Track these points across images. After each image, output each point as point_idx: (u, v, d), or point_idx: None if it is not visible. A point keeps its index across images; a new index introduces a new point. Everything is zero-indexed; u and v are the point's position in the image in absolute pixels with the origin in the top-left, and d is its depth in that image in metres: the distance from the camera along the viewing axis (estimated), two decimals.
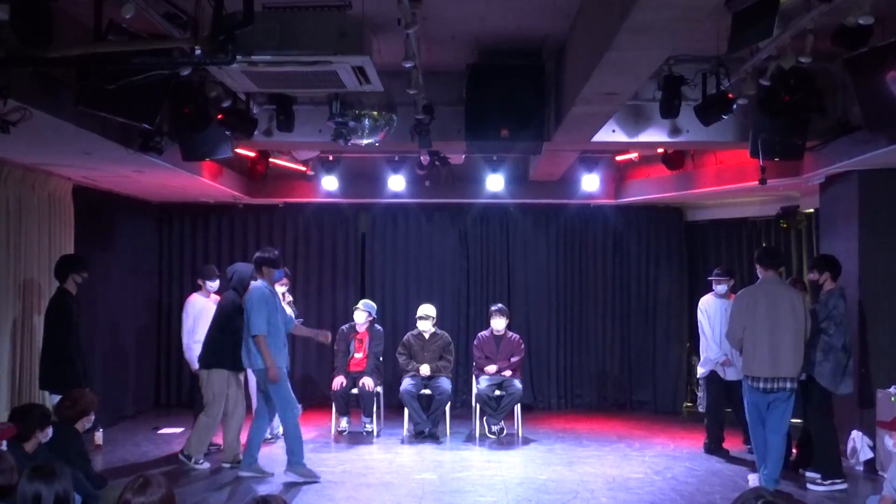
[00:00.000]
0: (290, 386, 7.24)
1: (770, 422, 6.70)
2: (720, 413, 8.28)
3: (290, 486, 6.94)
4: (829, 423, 6.99)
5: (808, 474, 7.08)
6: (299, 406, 7.25)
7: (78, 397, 5.73)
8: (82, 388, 6.36)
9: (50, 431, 5.29)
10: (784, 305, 6.64)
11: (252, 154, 9.26)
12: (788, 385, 6.60)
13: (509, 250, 11.25)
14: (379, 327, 9.45)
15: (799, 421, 7.37)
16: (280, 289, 8.53)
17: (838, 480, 6.82)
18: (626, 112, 7.21)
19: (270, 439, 8.69)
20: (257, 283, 7.20)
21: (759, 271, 6.90)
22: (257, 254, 7.41)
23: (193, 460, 7.41)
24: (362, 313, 9.17)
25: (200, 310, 8.25)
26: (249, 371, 7.56)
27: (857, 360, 7.59)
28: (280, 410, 7.19)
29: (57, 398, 6.40)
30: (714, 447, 8.24)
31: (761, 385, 6.64)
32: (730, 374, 8.07)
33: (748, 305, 6.75)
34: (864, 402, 7.57)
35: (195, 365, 7.87)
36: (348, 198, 10.63)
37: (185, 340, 8.40)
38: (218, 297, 8.03)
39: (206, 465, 7.43)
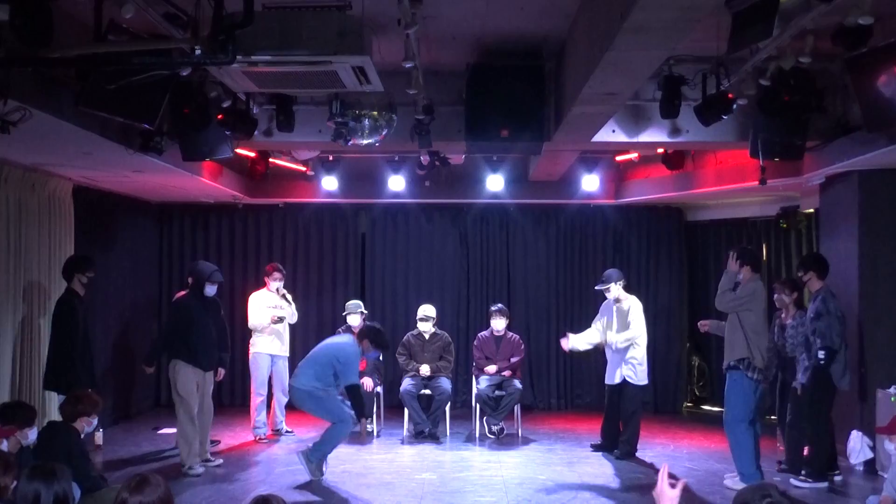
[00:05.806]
0: (341, 406, 7.48)
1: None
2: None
3: (291, 486, 6.95)
4: (829, 427, 7.05)
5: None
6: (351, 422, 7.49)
7: (80, 397, 5.72)
8: (86, 388, 6.35)
9: (31, 434, 5.23)
10: None
11: (252, 154, 9.25)
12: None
13: (509, 250, 11.24)
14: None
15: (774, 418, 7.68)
16: (275, 284, 8.87)
17: (823, 483, 6.91)
18: (626, 112, 7.20)
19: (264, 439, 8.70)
20: (351, 343, 7.52)
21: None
22: (365, 326, 7.89)
23: (187, 467, 7.26)
24: (356, 316, 9.09)
25: None
26: None
27: (857, 360, 7.61)
28: (333, 420, 7.32)
29: (61, 398, 6.40)
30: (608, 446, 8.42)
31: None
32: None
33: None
34: (864, 402, 7.57)
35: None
36: (348, 198, 10.63)
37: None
38: None
39: (201, 471, 7.30)
